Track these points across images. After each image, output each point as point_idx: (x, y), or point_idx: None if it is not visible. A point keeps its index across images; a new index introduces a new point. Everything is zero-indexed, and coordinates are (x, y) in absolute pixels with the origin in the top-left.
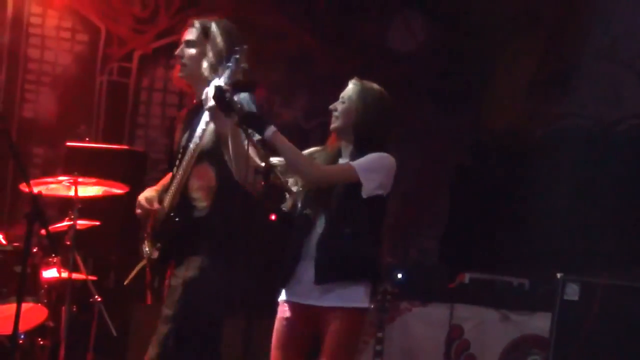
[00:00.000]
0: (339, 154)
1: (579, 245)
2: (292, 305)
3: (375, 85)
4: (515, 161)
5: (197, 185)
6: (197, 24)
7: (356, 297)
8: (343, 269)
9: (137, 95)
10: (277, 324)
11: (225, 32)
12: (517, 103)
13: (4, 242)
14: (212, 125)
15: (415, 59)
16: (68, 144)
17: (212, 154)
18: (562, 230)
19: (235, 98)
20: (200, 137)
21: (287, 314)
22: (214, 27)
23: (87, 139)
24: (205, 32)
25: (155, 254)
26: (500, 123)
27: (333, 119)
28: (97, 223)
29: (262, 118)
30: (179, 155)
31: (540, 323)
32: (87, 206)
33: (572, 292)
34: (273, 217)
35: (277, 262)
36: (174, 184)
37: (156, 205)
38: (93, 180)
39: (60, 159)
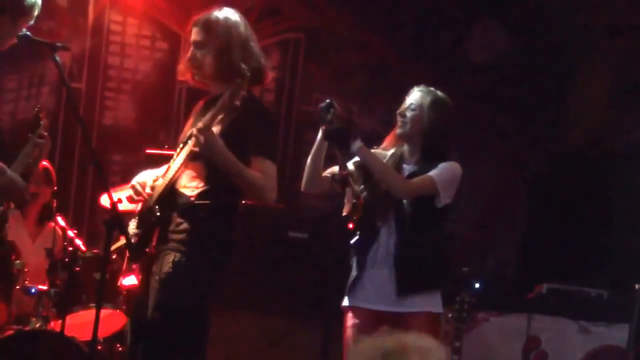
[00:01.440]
0: (401, 159)
1: None
2: (361, 311)
3: (443, 94)
4: (594, 171)
5: (186, 182)
6: (200, 22)
7: (433, 302)
8: (424, 279)
9: None
10: (349, 332)
11: (236, 30)
12: (597, 113)
13: (83, 249)
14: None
15: (494, 70)
16: (147, 151)
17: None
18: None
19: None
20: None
21: (356, 320)
22: (221, 24)
23: (166, 146)
24: (209, 31)
25: (134, 239)
26: (579, 133)
27: (400, 124)
28: None
29: (349, 133)
30: (179, 148)
31: (618, 334)
32: None
33: None
34: (350, 226)
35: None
36: (166, 177)
37: (146, 193)
38: None
39: (139, 165)
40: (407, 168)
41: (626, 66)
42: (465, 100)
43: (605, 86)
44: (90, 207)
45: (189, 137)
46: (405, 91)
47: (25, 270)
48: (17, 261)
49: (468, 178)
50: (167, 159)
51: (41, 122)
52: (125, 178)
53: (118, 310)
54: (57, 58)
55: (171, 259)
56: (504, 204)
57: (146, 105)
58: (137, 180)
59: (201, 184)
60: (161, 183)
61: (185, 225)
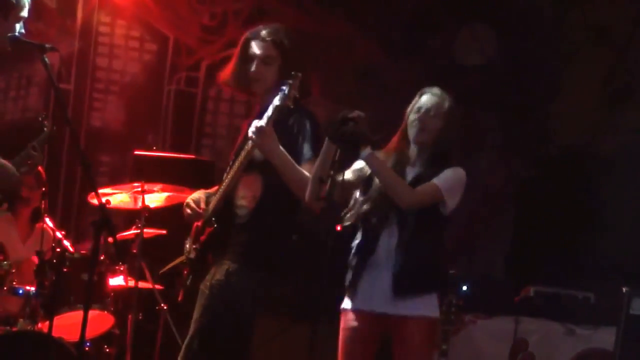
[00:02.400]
0: (406, 161)
1: None
2: (360, 313)
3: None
4: (581, 174)
5: (243, 194)
6: (268, 37)
7: (431, 306)
8: (423, 281)
9: (204, 104)
10: (344, 334)
11: (297, 47)
12: (585, 116)
13: (71, 249)
14: None
15: (483, 72)
16: (135, 152)
17: (263, 164)
18: (628, 244)
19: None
20: (251, 146)
21: (355, 322)
22: (286, 41)
23: (154, 147)
24: (279, 48)
25: (193, 254)
26: (567, 136)
27: (419, 129)
28: (164, 232)
29: (360, 139)
30: (232, 161)
31: (605, 337)
32: (154, 215)
33: (638, 306)
34: (339, 228)
35: (336, 270)
36: (221, 189)
37: (202, 207)
38: (160, 185)
39: (127, 167)
40: (412, 171)
41: (614, 69)
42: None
43: (593, 89)
44: (78, 208)
45: (241, 149)
46: (393, 93)
47: (13, 271)
48: (5, 262)
49: None
50: (155, 161)
51: (45, 129)
52: (113, 179)
53: (105, 311)
54: (46, 59)
55: (225, 268)
56: (492, 206)
57: (134, 107)
58: (191, 197)
59: (257, 195)
60: (216, 196)
61: (242, 238)
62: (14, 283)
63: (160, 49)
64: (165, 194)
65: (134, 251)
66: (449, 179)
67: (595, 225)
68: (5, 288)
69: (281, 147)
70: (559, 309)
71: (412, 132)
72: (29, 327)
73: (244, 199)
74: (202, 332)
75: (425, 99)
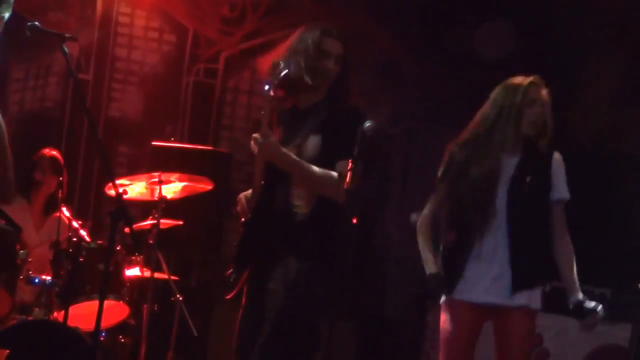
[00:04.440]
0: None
1: None
2: (467, 304)
3: None
4: (599, 171)
5: (298, 193)
6: (340, 38)
7: (536, 298)
8: (537, 274)
9: (222, 96)
10: (451, 324)
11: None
12: (603, 114)
13: (88, 239)
14: (314, 138)
15: (502, 68)
16: (153, 143)
17: (316, 163)
18: None
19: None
20: (300, 146)
21: (463, 314)
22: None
23: (172, 138)
24: (345, 50)
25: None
26: (585, 134)
27: (536, 125)
28: (180, 223)
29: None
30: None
31: (620, 333)
32: (171, 206)
33: None
34: (354, 221)
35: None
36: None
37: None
38: (177, 176)
39: (145, 158)
40: (512, 159)
41: (633, 66)
42: (472, 98)
43: (612, 87)
44: (96, 198)
45: (286, 144)
46: (412, 87)
47: (29, 260)
48: (22, 251)
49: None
50: (172, 151)
51: None
52: (131, 170)
53: (121, 302)
54: (65, 49)
55: (296, 267)
56: None
57: (153, 98)
58: (244, 194)
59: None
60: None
61: (307, 236)
62: (30, 272)
63: (180, 40)
64: (182, 185)
65: (151, 242)
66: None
67: (613, 222)
68: (21, 277)
69: (285, 151)
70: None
71: (528, 124)
72: (44, 317)
73: (301, 199)
74: (280, 333)
75: (539, 93)
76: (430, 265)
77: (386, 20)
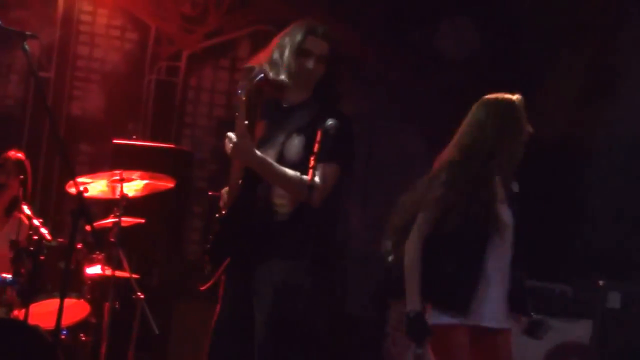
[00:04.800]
0: None
1: (622, 254)
2: (466, 329)
3: None
4: (561, 168)
5: (280, 192)
6: (325, 37)
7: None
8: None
9: (184, 94)
10: (459, 350)
11: (340, 52)
12: (566, 111)
13: (49, 238)
14: (296, 139)
15: (464, 66)
16: (115, 141)
17: (297, 165)
18: (605, 238)
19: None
20: (283, 145)
21: (467, 338)
22: (335, 46)
23: (134, 136)
24: (330, 50)
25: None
26: (547, 130)
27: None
28: (142, 221)
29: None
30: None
31: (581, 330)
32: (132, 204)
33: (614, 300)
34: None
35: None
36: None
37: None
38: (138, 174)
39: (106, 156)
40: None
41: (594, 64)
42: (435, 96)
43: (575, 84)
44: (57, 196)
45: (266, 142)
46: (375, 86)
47: None
48: None
49: None
50: (134, 150)
51: None
52: (92, 168)
53: (82, 300)
54: (26, 47)
55: (281, 266)
56: None
57: (115, 96)
58: (226, 189)
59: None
60: (234, 193)
61: (289, 235)
62: None
63: (141, 38)
64: (144, 183)
65: (112, 240)
66: None
67: (574, 219)
68: None
69: (258, 153)
70: (535, 302)
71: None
72: (5, 315)
73: (283, 198)
74: (275, 335)
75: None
76: (416, 300)
77: (350, 19)
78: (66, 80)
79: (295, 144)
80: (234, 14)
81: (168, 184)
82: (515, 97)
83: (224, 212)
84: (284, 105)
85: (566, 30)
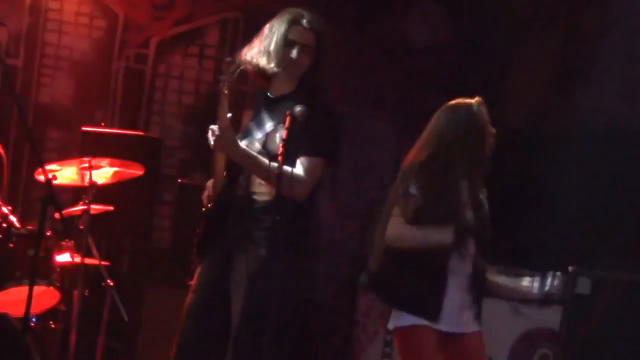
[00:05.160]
0: None
1: (591, 239)
2: (436, 333)
3: None
4: (530, 155)
5: (260, 181)
6: (310, 26)
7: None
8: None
9: (153, 81)
10: (427, 351)
11: (329, 42)
12: (533, 98)
13: (18, 225)
14: (281, 131)
15: (433, 52)
16: (84, 128)
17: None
18: (575, 224)
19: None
20: (268, 136)
21: (433, 341)
22: (323, 35)
23: (102, 124)
24: (320, 40)
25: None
26: (516, 117)
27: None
28: (111, 208)
29: None
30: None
31: (551, 316)
32: (101, 191)
33: (584, 286)
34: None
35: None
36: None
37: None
38: (107, 161)
39: (75, 143)
40: None
41: (564, 48)
42: (404, 82)
43: (543, 70)
44: (26, 184)
45: (250, 134)
46: (343, 73)
47: None
48: None
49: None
50: (103, 137)
51: None
52: (61, 155)
53: (51, 287)
54: None
55: (258, 255)
56: None
57: (83, 83)
58: (211, 181)
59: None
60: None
61: (267, 224)
62: None
63: (110, 25)
64: (113, 170)
65: (81, 227)
66: None
67: (542, 205)
68: None
69: (241, 146)
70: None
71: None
72: None
73: (263, 186)
74: (252, 323)
75: (485, 118)
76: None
77: (317, 5)
78: (34, 68)
79: (279, 135)
80: (203, 1)
81: (137, 171)
82: (475, 101)
83: (210, 205)
84: (271, 96)
85: (534, 16)
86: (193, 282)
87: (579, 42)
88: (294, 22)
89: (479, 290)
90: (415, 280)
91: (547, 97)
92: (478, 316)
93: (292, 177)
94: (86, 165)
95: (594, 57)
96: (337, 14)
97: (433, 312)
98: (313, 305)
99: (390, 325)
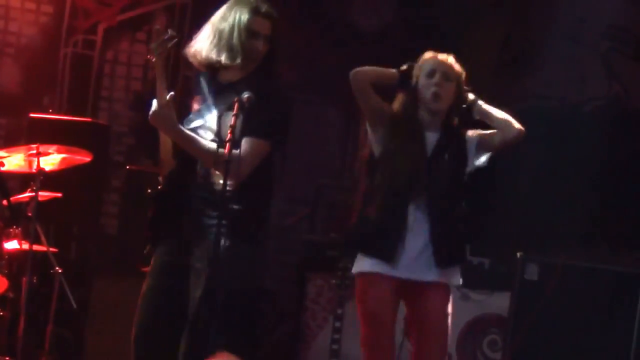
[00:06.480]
0: (422, 127)
1: (539, 225)
2: (390, 279)
3: None
4: None
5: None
6: (269, 15)
7: (457, 275)
8: (460, 252)
9: (101, 67)
10: (373, 299)
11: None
12: (482, 83)
13: None
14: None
15: (382, 39)
16: (31, 115)
17: (235, 142)
18: (523, 210)
19: None
20: (219, 126)
21: (382, 287)
22: (278, 22)
23: (50, 110)
24: (274, 28)
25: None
26: None
27: (434, 97)
28: (59, 195)
29: None
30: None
31: (499, 302)
32: (49, 178)
33: (532, 271)
34: None
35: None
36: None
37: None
38: (55, 148)
39: (23, 130)
40: (432, 136)
41: (511, 37)
42: (351, 69)
43: (490, 57)
44: None
45: (199, 116)
46: (292, 60)
47: None
48: None
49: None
50: (50, 123)
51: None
52: (8, 142)
53: (0, 275)
54: None
55: (216, 243)
56: None
57: (30, 70)
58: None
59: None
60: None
61: (226, 212)
62: None
63: (57, 11)
64: (61, 157)
65: (29, 214)
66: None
67: (490, 191)
68: None
69: (178, 125)
70: None
71: (427, 97)
72: None
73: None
74: (209, 308)
75: (438, 64)
76: None
77: None
78: None
79: (229, 120)
80: None
81: (85, 157)
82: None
83: (159, 187)
84: (221, 82)
85: (480, 1)
86: (149, 268)
87: (526, 27)
88: (254, 13)
89: (443, 236)
90: (375, 225)
91: (495, 83)
92: (441, 265)
93: (229, 158)
94: (34, 152)
95: (541, 42)
96: (284, 3)
97: (388, 255)
98: (263, 291)
99: (353, 271)
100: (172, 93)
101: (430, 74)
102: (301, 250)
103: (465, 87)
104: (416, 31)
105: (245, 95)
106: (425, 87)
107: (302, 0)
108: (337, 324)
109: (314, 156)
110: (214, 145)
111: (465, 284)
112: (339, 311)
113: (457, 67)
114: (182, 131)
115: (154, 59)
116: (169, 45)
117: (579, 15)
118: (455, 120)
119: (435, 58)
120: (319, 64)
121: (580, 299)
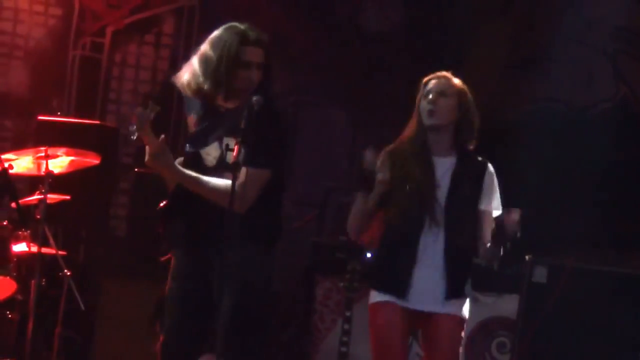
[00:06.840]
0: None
1: (548, 228)
2: (403, 310)
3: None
4: (486, 143)
5: None
6: (260, 42)
7: (466, 307)
8: (466, 283)
9: (109, 70)
10: (385, 331)
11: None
12: (489, 86)
13: None
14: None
15: (389, 41)
16: (39, 117)
17: (241, 162)
18: (531, 213)
19: None
20: (224, 152)
21: (396, 312)
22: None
23: (58, 113)
24: (266, 55)
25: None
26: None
27: (428, 114)
28: (68, 197)
29: None
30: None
31: (508, 305)
32: (58, 180)
33: (540, 274)
34: None
35: None
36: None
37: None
38: (64, 150)
39: (31, 132)
40: (444, 162)
41: (518, 39)
42: (360, 72)
43: (497, 59)
44: None
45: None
46: (300, 62)
47: None
48: None
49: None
50: (59, 126)
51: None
52: (17, 145)
53: (8, 277)
54: None
55: (233, 250)
56: None
57: (39, 72)
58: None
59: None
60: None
61: (237, 220)
62: None
63: (65, 14)
64: (69, 159)
65: (38, 217)
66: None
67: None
68: None
69: (177, 166)
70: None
71: (424, 118)
72: None
73: None
74: (235, 316)
75: (433, 83)
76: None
77: None
78: None
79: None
80: None
81: (93, 160)
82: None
83: (166, 203)
84: (217, 110)
85: (489, 4)
86: (171, 269)
87: (533, 30)
88: (243, 43)
89: (456, 268)
90: (386, 257)
91: (502, 84)
92: (453, 296)
93: (236, 191)
94: (42, 154)
95: (548, 45)
96: (293, 5)
97: (400, 288)
98: (271, 294)
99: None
100: (162, 137)
101: (426, 95)
102: (309, 253)
103: (470, 101)
104: (424, 33)
105: (255, 98)
106: (423, 109)
107: (310, 3)
108: (346, 327)
109: (322, 158)
110: (214, 183)
111: (474, 287)
112: (348, 313)
113: (455, 81)
114: (181, 171)
115: (134, 138)
116: (151, 117)
117: (586, 17)
118: (471, 144)
119: (431, 79)
120: (328, 66)
121: (589, 302)
